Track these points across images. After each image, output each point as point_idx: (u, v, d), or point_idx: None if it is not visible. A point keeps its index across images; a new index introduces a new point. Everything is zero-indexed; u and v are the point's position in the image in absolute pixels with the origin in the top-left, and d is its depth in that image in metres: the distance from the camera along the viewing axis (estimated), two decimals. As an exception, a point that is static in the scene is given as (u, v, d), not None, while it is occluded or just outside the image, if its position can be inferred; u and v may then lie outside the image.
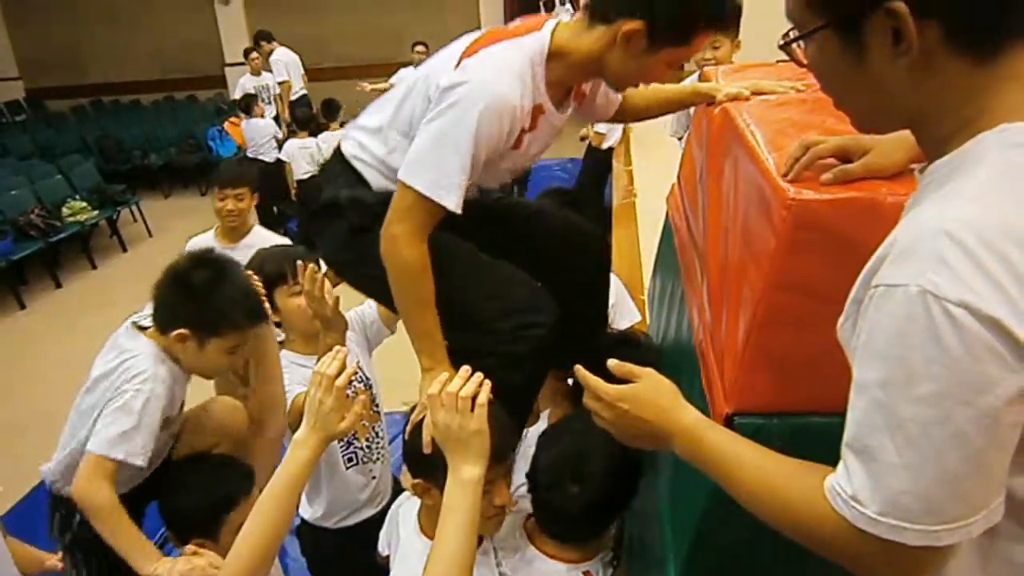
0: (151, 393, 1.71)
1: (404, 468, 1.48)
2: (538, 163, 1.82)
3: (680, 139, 3.39)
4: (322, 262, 1.80)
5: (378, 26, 10.91)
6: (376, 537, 1.75)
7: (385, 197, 1.42)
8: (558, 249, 1.68)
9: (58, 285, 6.86)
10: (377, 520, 1.91)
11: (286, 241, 3.07)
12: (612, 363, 1.07)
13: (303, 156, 6.47)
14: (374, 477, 2.25)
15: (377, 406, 2.26)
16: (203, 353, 1.77)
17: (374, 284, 1.46)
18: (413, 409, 1.41)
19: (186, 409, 1.98)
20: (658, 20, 1.31)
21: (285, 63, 8.27)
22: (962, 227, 0.66)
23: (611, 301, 2.04)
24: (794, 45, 0.82)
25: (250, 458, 1.96)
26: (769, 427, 1.06)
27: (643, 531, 1.52)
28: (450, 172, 1.32)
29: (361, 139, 1.54)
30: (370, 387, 2.20)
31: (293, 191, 6.62)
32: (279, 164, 6.69)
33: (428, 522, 1.45)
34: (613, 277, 2.06)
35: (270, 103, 8.05)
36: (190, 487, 1.80)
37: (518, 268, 1.52)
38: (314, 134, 6.59)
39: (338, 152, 1.58)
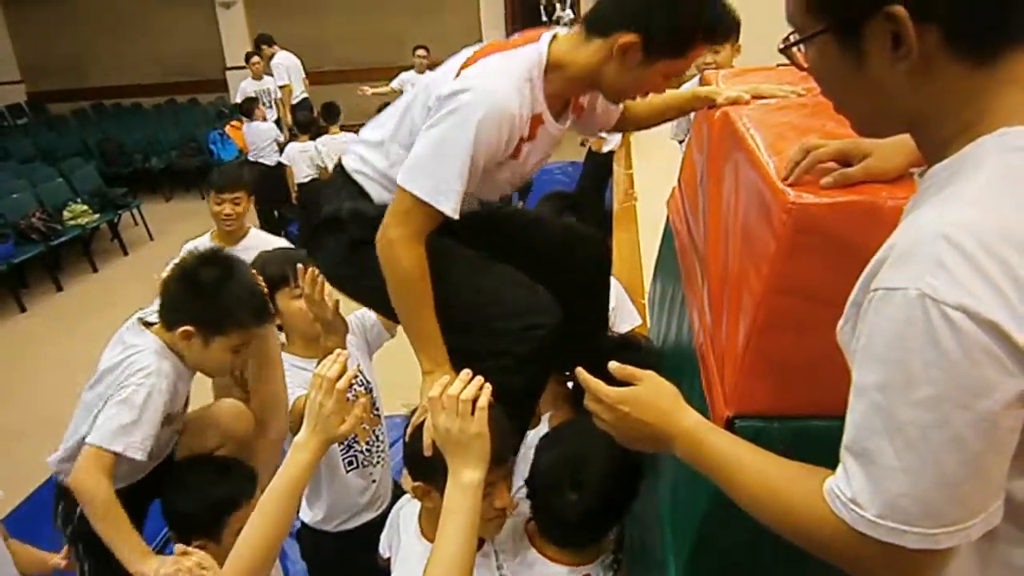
0: (154, 388, 1.73)
1: (405, 471, 1.48)
2: (538, 167, 1.82)
3: (681, 142, 3.39)
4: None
5: (379, 30, 10.91)
6: (376, 541, 1.75)
7: (386, 210, 1.42)
8: (558, 252, 1.68)
9: (59, 288, 6.87)
10: (377, 524, 1.91)
11: (284, 243, 3.07)
12: (613, 366, 1.07)
13: (303, 159, 6.48)
14: (374, 481, 2.25)
15: (377, 409, 2.26)
16: (207, 350, 1.78)
17: (375, 297, 1.47)
18: (414, 412, 1.42)
19: (191, 410, 1.99)
20: (654, 33, 1.32)
21: (286, 67, 8.28)
22: (961, 231, 0.66)
23: (611, 304, 2.04)
24: (794, 49, 0.82)
25: (252, 460, 1.96)
26: (770, 430, 1.06)
27: (644, 534, 1.52)
28: (449, 178, 1.33)
29: (363, 153, 1.55)
30: (370, 390, 2.20)
31: (294, 194, 6.62)
32: (280, 167, 6.70)
33: (429, 525, 1.45)
34: (613, 280, 2.06)
35: (271, 107, 8.06)
36: (192, 488, 1.81)
37: (519, 271, 1.52)
38: (314, 138, 6.60)
39: (340, 167, 1.59)
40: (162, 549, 1.75)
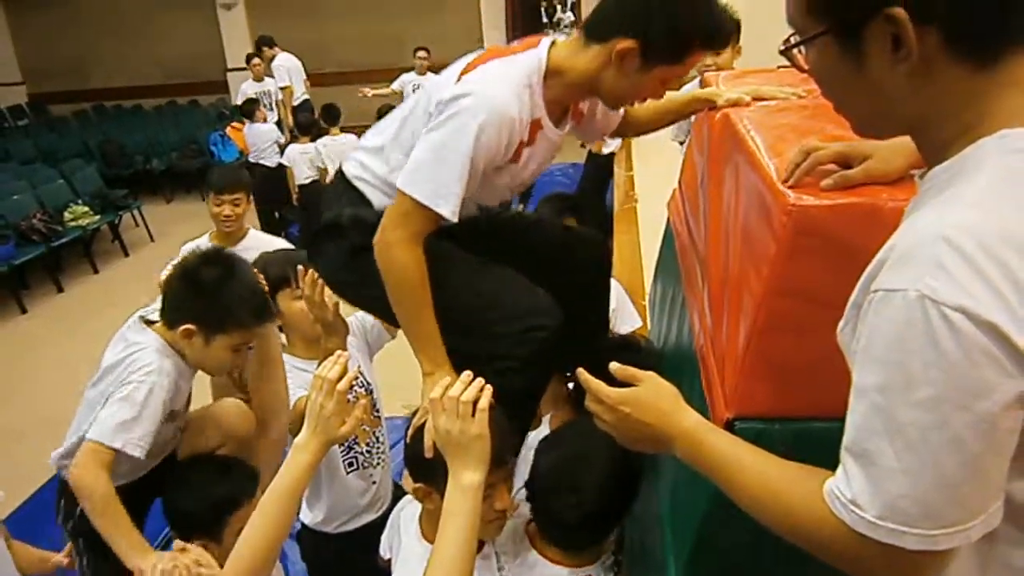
0: (154, 385, 1.74)
1: (405, 472, 1.48)
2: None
3: (681, 144, 3.39)
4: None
5: (380, 31, 10.92)
6: (376, 542, 1.75)
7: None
8: (558, 253, 1.69)
9: (60, 289, 6.87)
10: (377, 525, 1.91)
11: (283, 244, 3.07)
12: (613, 367, 1.07)
13: (304, 161, 6.48)
14: (374, 482, 2.25)
15: (378, 411, 2.26)
16: (208, 349, 1.79)
17: (375, 303, 1.47)
18: (414, 414, 1.42)
19: (193, 409, 1.99)
20: (652, 40, 1.33)
21: (287, 68, 8.29)
22: (961, 232, 0.66)
23: (612, 306, 2.04)
24: (795, 50, 0.83)
25: (253, 459, 1.96)
26: (770, 432, 1.06)
27: (644, 534, 1.52)
28: (448, 182, 1.34)
29: (363, 159, 1.55)
30: (371, 392, 2.20)
31: (294, 196, 6.63)
32: (281, 169, 6.70)
33: (429, 526, 1.46)
34: (614, 282, 2.07)
35: (272, 108, 8.06)
36: (194, 487, 1.81)
37: (519, 274, 1.52)
38: (315, 139, 6.60)
39: (340, 173, 1.59)
40: (164, 548, 1.74)
